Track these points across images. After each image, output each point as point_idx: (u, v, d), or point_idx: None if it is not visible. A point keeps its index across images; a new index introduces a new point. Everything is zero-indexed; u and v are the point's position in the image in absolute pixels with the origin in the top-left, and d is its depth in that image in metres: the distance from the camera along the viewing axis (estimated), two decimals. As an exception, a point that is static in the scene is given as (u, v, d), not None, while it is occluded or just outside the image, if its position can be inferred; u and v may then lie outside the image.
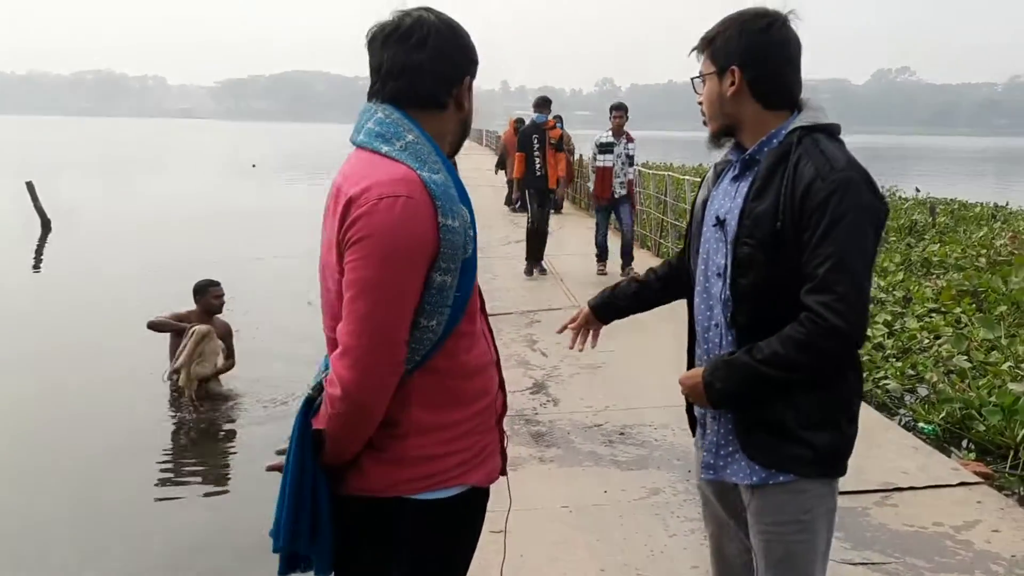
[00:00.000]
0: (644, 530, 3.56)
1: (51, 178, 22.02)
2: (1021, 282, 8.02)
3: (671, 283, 2.22)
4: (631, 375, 5.75)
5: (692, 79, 1.99)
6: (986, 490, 3.95)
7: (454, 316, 1.63)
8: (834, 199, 1.72)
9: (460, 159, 2.04)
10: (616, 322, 2.35)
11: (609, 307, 2.29)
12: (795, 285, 1.77)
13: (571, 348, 2.35)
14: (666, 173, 13.48)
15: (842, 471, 1.91)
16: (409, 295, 1.57)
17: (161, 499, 5.03)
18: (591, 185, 9.72)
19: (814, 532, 1.90)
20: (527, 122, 9.97)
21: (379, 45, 1.70)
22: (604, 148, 9.19)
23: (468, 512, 1.75)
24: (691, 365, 2.07)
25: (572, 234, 12.46)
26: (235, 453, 5.78)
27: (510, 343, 6.56)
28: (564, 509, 3.78)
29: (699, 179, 2.83)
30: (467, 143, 1.95)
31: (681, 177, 12.38)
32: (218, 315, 6.59)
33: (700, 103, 1.97)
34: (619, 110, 9.28)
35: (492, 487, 1.81)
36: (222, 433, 6.01)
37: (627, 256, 9.37)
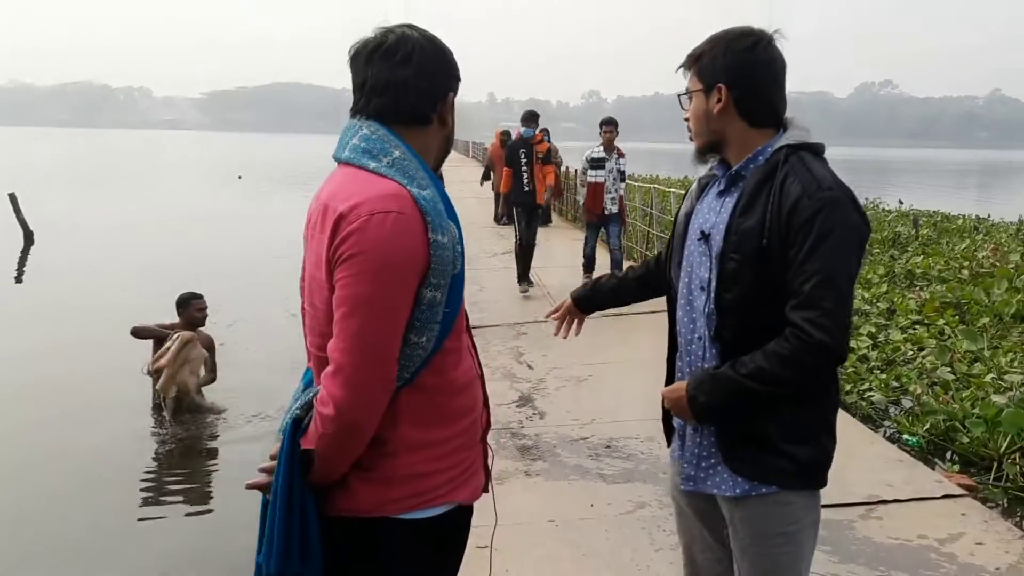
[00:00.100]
0: (630, 544, 3.56)
1: (34, 190, 21.83)
2: (1003, 294, 8.10)
3: (646, 283, 2.34)
4: (617, 388, 5.74)
5: (679, 96, 2.02)
6: (970, 502, 3.97)
7: (443, 332, 1.62)
8: (820, 217, 1.74)
9: (446, 171, 2.04)
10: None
11: (590, 300, 2.41)
12: (779, 301, 1.79)
13: (555, 335, 2.47)
14: (652, 185, 13.53)
15: (823, 482, 1.93)
16: (401, 311, 1.55)
17: (143, 519, 4.96)
18: (580, 199, 9.70)
19: (799, 544, 1.92)
20: (513, 135, 9.92)
21: (363, 62, 1.69)
22: (596, 163, 9.11)
23: (454, 530, 1.74)
24: (671, 377, 2.09)
25: (559, 246, 12.48)
26: (217, 470, 5.70)
27: (496, 355, 6.54)
28: (550, 523, 3.76)
29: (684, 192, 2.87)
30: (453, 155, 1.95)
31: (667, 189, 12.43)
32: (201, 327, 6.54)
33: (686, 119, 2.00)
34: (609, 125, 9.15)
35: (477, 502, 1.80)
36: (204, 451, 5.95)
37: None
